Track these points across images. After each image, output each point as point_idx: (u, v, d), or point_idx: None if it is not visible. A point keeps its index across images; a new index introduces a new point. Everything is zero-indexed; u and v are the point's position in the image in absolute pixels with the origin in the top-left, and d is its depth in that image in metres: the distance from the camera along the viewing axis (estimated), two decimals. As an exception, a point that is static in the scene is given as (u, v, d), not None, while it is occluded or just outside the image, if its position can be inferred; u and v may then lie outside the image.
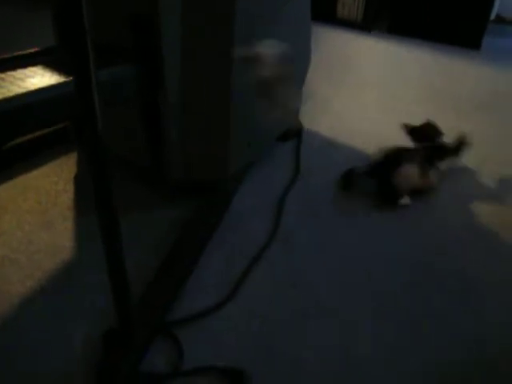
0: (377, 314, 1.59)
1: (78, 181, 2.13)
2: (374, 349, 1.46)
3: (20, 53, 1.68)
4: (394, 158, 2.09)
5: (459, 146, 2.30)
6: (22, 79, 1.49)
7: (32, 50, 1.72)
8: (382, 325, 1.55)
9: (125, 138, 1.93)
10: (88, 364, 1.36)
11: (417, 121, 2.31)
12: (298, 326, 1.53)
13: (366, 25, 4.44)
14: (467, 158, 2.35)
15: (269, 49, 1.62)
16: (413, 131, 2.29)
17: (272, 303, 1.60)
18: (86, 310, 1.54)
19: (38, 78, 1.50)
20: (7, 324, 1.50)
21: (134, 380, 1.33)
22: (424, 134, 2.27)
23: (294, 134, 2.54)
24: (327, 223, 1.97)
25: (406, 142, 2.25)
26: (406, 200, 2.03)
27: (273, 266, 1.74)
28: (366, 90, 3.27)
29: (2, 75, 1.51)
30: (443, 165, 2.21)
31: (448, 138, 2.27)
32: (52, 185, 2.10)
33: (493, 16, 4.53)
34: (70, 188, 2.08)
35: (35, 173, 2.19)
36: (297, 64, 2.38)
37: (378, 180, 2.13)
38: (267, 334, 1.50)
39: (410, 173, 2.04)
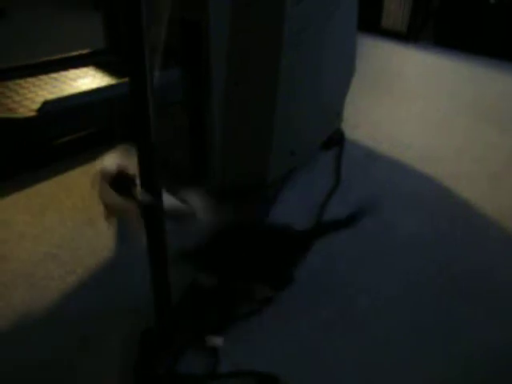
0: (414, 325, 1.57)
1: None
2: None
3: (72, 53, 1.72)
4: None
5: None
6: (74, 79, 1.53)
7: (83, 51, 1.75)
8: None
9: (165, 145, 1.94)
10: (125, 363, 1.38)
11: (458, 134, 2.24)
12: (336, 331, 1.53)
13: (411, 35, 4.40)
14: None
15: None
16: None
17: (310, 311, 1.59)
18: (125, 308, 1.56)
19: (90, 79, 1.54)
20: (46, 319, 1.53)
21: (170, 381, 1.34)
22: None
23: (336, 142, 2.53)
24: (365, 233, 1.96)
25: (448, 153, 2.20)
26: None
27: (311, 273, 1.73)
28: (408, 102, 3.23)
29: (55, 75, 1.55)
30: None
31: (490, 154, 2.22)
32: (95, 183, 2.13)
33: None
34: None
35: (79, 171, 2.22)
36: (341, 73, 2.37)
37: None
38: (307, 340, 1.49)
39: None
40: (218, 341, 1.46)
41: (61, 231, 1.86)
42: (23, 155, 1.53)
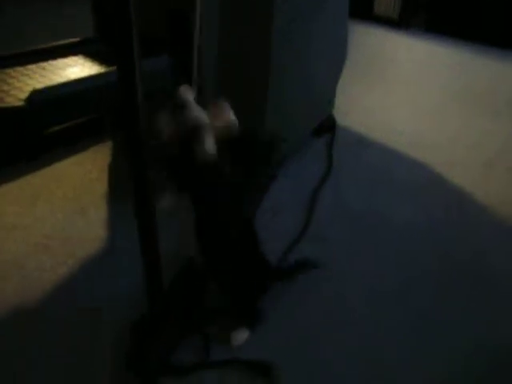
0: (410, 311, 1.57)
1: (112, 169, 2.15)
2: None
3: (61, 43, 1.70)
4: None
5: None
6: (62, 69, 1.51)
7: (72, 40, 1.74)
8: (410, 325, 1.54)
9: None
10: (117, 352, 1.37)
11: (450, 120, 2.25)
12: (327, 322, 1.52)
13: (402, 22, 4.39)
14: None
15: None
16: None
17: (306, 303, 1.59)
18: (117, 298, 1.55)
19: (79, 68, 1.52)
20: (39, 310, 1.52)
21: (161, 369, 1.34)
22: None
23: (328, 129, 2.53)
24: (359, 222, 1.96)
25: (441, 140, 2.20)
26: None
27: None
28: (400, 88, 3.23)
29: (44, 64, 1.54)
30: None
31: (483, 141, 2.22)
32: (86, 173, 2.12)
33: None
34: (104, 176, 2.10)
35: (69, 161, 2.21)
36: (332, 60, 2.36)
37: None
38: (298, 333, 1.49)
39: None
40: (243, 336, 1.44)
41: (52, 221, 1.85)
42: (13, 146, 1.51)
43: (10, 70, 1.50)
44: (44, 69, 1.51)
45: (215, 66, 1.74)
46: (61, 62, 1.57)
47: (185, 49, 1.69)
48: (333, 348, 1.44)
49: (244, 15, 1.72)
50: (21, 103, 1.31)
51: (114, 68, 1.03)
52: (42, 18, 4.02)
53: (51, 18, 4.01)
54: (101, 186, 2.05)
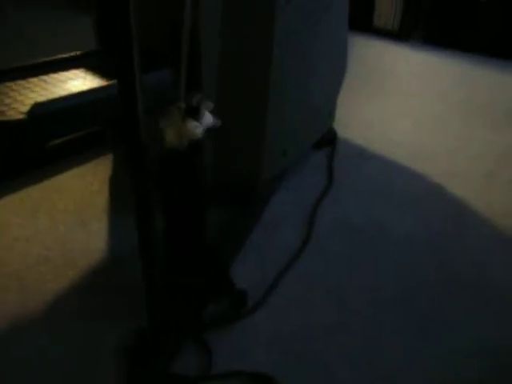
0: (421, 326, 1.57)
1: (113, 182, 2.16)
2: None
3: (62, 56, 1.72)
4: None
5: None
6: (64, 81, 1.52)
7: (74, 53, 1.75)
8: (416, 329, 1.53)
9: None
10: (118, 364, 1.37)
11: (450, 132, 2.26)
12: (329, 333, 1.52)
13: (402, 34, 4.42)
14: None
15: None
16: None
17: (302, 311, 1.59)
18: (118, 310, 1.55)
19: (80, 81, 1.53)
20: (39, 322, 1.52)
21: (163, 382, 1.34)
22: None
23: (328, 142, 2.54)
24: (359, 234, 1.96)
25: (440, 151, 2.21)
26: None
27: (305, 274, 1.73)
28: (400, 100, 3.24)
29: (45, 77, 1.55)
30: None
31: (483, 152, 2.23)
32: (87, 185, 2.13)
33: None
34: (105, 189, 2.11)
35: (70, 173, 2.22)
36: (332, 73, 2.38)
37: None
38: (297, 342, 1.49)
39: None
40: None
41: (53, 233, 1.85)
42: (14, 158, 1.52)
43: (11, 84, 1.51)
44: (45, 82, 1.52)
45: (214, 77, 1.75)
46: (62, 75, 1.57)
47: (188, 60, 1.70)
48: (330, 353, 1.44)
49: (245, 25, 1.73)
50: (22, 116, 1.31)
51: (115, 81, 1.04)
52: (44, 22, 4.06)
53: (53, 22, 4.05)
54: (102, 198, 2.05)
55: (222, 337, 1.48)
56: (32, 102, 1.37)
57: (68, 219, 1.93)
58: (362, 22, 4.48)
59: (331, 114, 2.53)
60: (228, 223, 1.93)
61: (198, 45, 1.66)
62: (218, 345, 1.44)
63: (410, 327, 1.56)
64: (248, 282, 1.68)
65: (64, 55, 1.72)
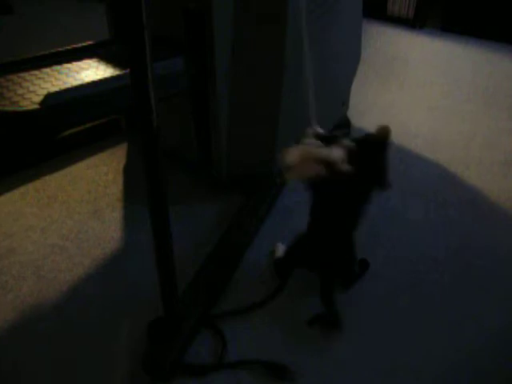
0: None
1: (127, 172, 2.17)
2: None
3: (75, 46, 1.72)
4: None
5: None
6: (77, 71, 1.52)
7: (87, 43, 1.75)
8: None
9: (173, 132, 1.95)
10: (134, 352, 1.38)
11: (466, 120, 2.22)
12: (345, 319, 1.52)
13: (417, 22, 4.36)
14: None
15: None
16: None
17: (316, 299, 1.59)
18: (133, 298, 1.57)
19: (93, 71, 1.53)
20: (54, 311, 1.54)
21: (178, 369, 1.34)
22: None
23: (342, 129, 2.52)
24: (375, 220, 1.95)
25: (456, 139, 2.17)
26: None
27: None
28: (416, 88, 3.21)
29: (58, 67, 1.55)
30: None
31: (500, 139, 2.19)
32: (101, 175, 2.14)
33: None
34: (119, 179, 2.12)
35: (85, 163, 2.23)
36: (347, 61, 2.36)
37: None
38: (309, 330, 1.49)
39: None
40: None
41: (68, 223, 1.87)
42: (30, 148, 1.53)
43: (24, 74, 1.52)
44: (58, 72, 1.52)
45: (228, 66, 1.74)
46: (75, 64, 1.58)
47: (201, 50, 1.70)
48: (341, 343, 1.44)
49: (258, 13, 1.72)
50: (35, 106, 1.31)
51: (128, 70, 1.04)
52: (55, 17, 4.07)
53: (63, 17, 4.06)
54: (116, 188, 2.06)
55: (237, 325, 1.49)
56: (45, 92, 1.37)
57: (83, 209, 1.94)
58: (377, 9, 4.43)
59: (345, 103, 2.51)
60: (242, 211, 1.93)
61: (212, 33, 1.66)
62: (233, 333, 1.45)
63: (421, 317, 1.56)
64: (262, 271, 1.69)
65: (76, 45, 1.72)
